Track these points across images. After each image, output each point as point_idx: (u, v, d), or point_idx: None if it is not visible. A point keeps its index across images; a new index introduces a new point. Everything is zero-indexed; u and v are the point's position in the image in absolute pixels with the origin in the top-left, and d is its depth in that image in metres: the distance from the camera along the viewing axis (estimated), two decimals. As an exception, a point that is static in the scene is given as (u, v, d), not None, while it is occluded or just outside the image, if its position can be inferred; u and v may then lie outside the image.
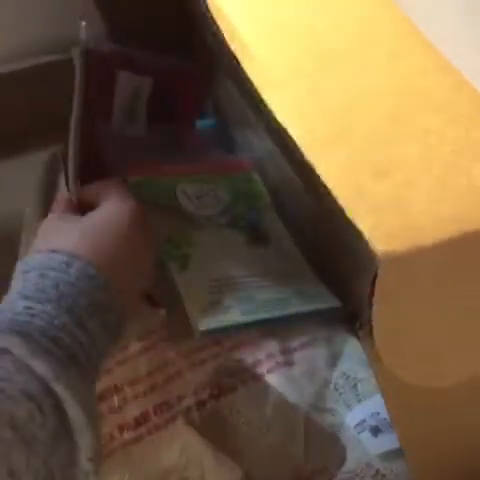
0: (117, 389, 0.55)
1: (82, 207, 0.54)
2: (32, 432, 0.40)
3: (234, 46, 0.50)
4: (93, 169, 0.58)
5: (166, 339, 0.57)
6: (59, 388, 0.41)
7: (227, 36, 0.51)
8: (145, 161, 0.66)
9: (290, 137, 0.43)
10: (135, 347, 0.57)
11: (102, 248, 0.50)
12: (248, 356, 0.58)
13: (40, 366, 0.42)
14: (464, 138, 0.45)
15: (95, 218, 0.52)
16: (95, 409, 0.45)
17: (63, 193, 0.57)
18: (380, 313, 0.42)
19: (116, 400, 0.55)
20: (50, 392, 0.41)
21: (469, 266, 0.42)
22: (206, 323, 0.55)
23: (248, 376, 0.57)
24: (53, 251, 0.49)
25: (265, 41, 0.50)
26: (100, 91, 0.65)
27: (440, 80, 0.48)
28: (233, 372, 0.57)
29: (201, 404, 0.56)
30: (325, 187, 0.41)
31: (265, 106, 0.44)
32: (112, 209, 0.53)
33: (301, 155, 0.42)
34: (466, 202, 0.41)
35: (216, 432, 0.55)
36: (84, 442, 0.42)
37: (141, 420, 0.55)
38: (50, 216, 0.55)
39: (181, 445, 0.54)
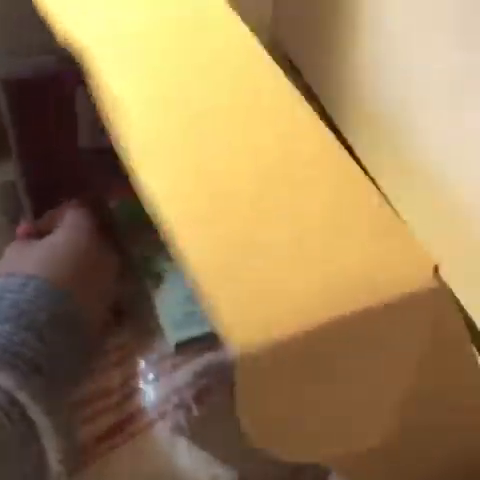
0: (90, 401, 0.56)
1: (42, 233, 0.57)
2: (3, 439, 0.43)
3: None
4: (68, 188, 0.59)
5: (138, 351, 0.58)
6: (22, 396, 0.45)
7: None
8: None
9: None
10: (107, 361, 0.57)
11: (61, 266, 0.53)
12: (224, 355, 0.57)
13: (4, 379, 0.45)
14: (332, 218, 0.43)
15: (50, 242, 0.55)
16: (66, 415, 0.48)
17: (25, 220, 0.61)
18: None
19: (90, 411, 0.55)
20: (15, 401, 0.44)
21: (327, 359, 0.40)
22: (179, 336, 0.57)
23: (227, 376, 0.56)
24: (10, 274, 0.52)
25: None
26: (63, 111, 0.65)
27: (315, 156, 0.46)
28: (212, 373, 0.57)
29: (187, 409, 0.55)
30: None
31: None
32: (64, 233, 0.56)
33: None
34: (324, 292, 0.39)
35: (207, 435, 0.55)
36: (51, 445, 0.45)
37: (117, 429, 0.55)
38: (13, 242, 0.58)
39: (167, 452, 0.54)
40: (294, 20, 0.72)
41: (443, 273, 0.57)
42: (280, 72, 0.54)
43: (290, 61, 0.76)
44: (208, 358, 0.57)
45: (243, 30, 0.58)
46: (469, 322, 0.56)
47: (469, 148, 0.52)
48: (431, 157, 0.56)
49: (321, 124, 0.47)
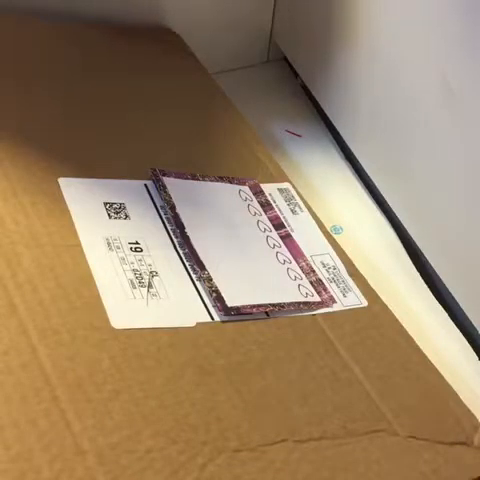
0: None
1: None
2: None
3: None
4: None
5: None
6: None
7: None
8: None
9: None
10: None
11: None
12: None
13: None
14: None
15: None
16: None
17: None
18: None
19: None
20: None
21: None
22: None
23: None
24: None
25: None
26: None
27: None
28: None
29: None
30: None
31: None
32: None
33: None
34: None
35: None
36: None
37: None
38: None
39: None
40: (293, 22, 0.72)
41: (442, 275, 0.58)
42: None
43: (288, 63, 0.76)
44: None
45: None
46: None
47: (468, 150, 0.52)
48: (430, 159, 0.56)
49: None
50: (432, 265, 0.59)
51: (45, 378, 0.38)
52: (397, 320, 0.51)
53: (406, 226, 0.61)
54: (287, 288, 0.50)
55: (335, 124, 0.68)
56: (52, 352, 0.39)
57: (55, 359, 0.39)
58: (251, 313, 0.46)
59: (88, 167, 0.51)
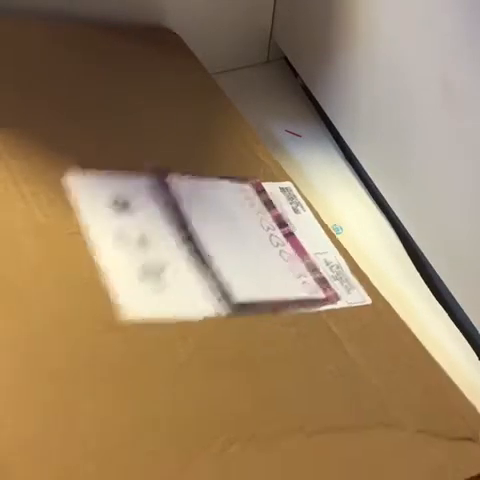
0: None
1: None
2: None
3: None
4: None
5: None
6: None
7: None
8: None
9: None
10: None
11: None
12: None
13: None
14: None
15: None
16: None
17: None
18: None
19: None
20: None
21: None
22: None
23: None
24: None
25: None
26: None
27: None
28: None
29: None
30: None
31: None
32: None
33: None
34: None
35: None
36: None
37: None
38: None
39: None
40: (293, 22, 0.72)
41: (442, 275, 0.58)
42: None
43: (288, 63, 0.76)
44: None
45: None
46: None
47: (467, 150, 0.52)
48: (431, 159, 0.56)
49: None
50: (432, 265, 0.59)
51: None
52: (400, 318, 0.51)
53: (406, 226, 0.62)
54: (291, 285, 0.50)
55: (335, 124, 0.68)
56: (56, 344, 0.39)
57: (58, 351, 0.39)
58: (257, 309, 0.46)
59: (91, 164, 0.51)
